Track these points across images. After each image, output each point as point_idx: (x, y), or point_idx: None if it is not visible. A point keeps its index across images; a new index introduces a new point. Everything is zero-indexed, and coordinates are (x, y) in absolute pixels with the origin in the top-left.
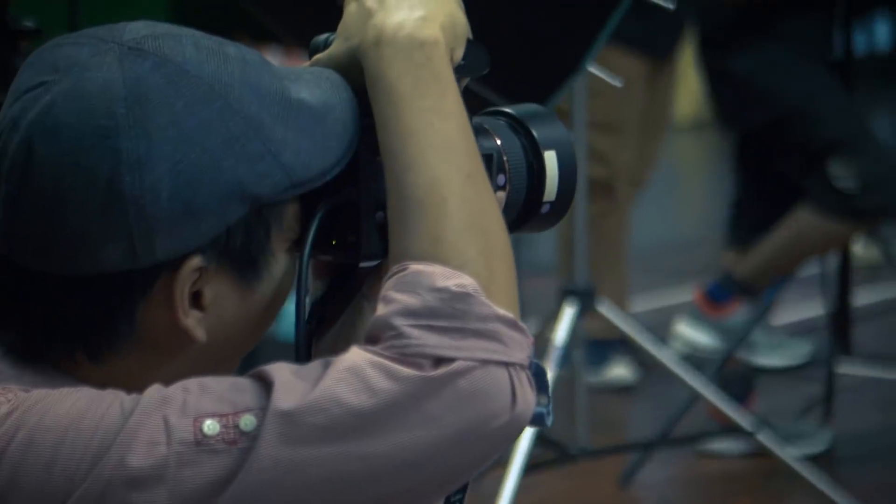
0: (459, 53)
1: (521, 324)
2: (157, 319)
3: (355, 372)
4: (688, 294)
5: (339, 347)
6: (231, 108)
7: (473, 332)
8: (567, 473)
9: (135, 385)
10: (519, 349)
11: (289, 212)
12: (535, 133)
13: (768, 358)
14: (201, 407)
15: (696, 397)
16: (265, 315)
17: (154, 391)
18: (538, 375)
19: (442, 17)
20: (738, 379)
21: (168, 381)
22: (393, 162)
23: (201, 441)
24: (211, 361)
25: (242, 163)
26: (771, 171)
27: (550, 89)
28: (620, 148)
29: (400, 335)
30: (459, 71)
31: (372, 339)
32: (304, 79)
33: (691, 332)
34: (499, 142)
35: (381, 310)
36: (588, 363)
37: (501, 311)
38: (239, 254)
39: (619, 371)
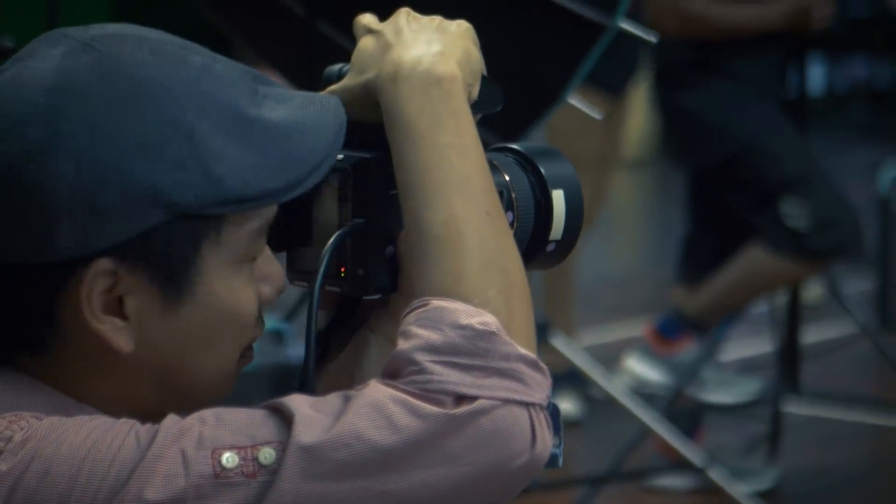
0: (476, 90)
1: (541, 364)
2: (78, 322)
3: (377, 407)
4: (627, 330)
5: (343, 380)
6: (159, 111)
7: (496, 370)
8: None
9: (88, 395)
10: (539, 390)
11: (234, 228)
12: (543, 171)
13: (717, 394)
14: (218, 439)
15: (646, 432)
16: (206, 345)
17: (171, 422)
18: (553, 416)
19: (458, 53)
20: (686, 415)
21: (127, 402)
22: (411, 198)
23: (220, 474)
24: (165, 390)
25: (160, 168)
26: (722, 209)
27: (530, 120)
28: None
29: (422, 370)
30: (474, 108)
31: (392, 374)
32: (296, 101)
33: (641, 368)
34: (507, 178)
35: (402, 344)
36: None
37: (524, 351)
38: (159, 263)
39: (564, 406)
